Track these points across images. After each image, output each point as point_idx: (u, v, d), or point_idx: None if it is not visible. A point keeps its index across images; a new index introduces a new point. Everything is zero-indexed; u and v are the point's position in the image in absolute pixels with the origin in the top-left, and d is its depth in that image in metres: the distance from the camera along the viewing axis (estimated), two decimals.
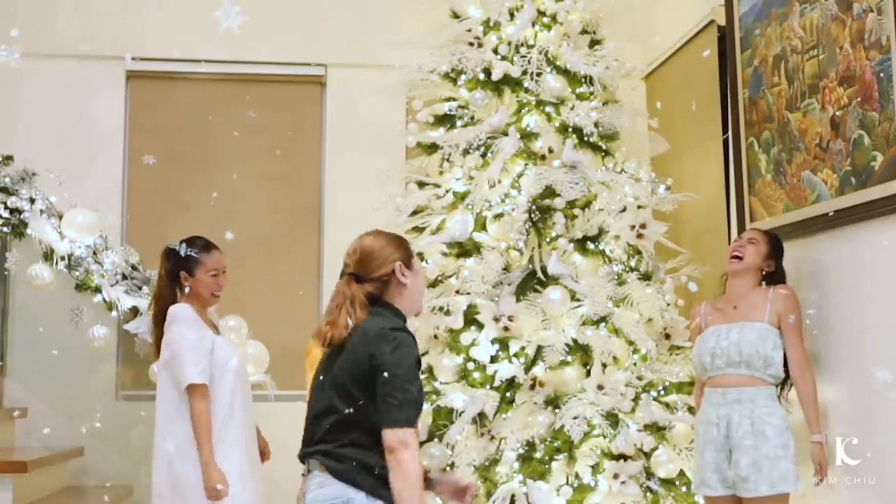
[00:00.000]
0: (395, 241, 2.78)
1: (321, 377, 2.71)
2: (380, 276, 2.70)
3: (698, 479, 3.74)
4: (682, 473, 4.20)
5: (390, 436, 2.53)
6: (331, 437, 2.60)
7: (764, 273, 3.78)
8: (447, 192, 4.64)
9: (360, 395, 2.58)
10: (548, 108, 4.64)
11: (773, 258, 3.77)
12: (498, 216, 4.47)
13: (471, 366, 4.33)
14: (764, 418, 3.57)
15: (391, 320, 2.66)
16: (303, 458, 2.69)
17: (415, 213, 4.68)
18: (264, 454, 3.93)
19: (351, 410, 2.58)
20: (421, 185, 4.76)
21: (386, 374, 2.55)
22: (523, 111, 4.66)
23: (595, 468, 4.18)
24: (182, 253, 3.76)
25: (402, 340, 2.60)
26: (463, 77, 4.72)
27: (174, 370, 3.63)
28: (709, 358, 3.71)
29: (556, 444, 4.16)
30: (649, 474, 4.18)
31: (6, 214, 4.82)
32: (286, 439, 3.90)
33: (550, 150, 4.56)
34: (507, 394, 4.27)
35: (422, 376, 4.36)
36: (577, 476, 4.17)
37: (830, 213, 3.63)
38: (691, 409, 4.27)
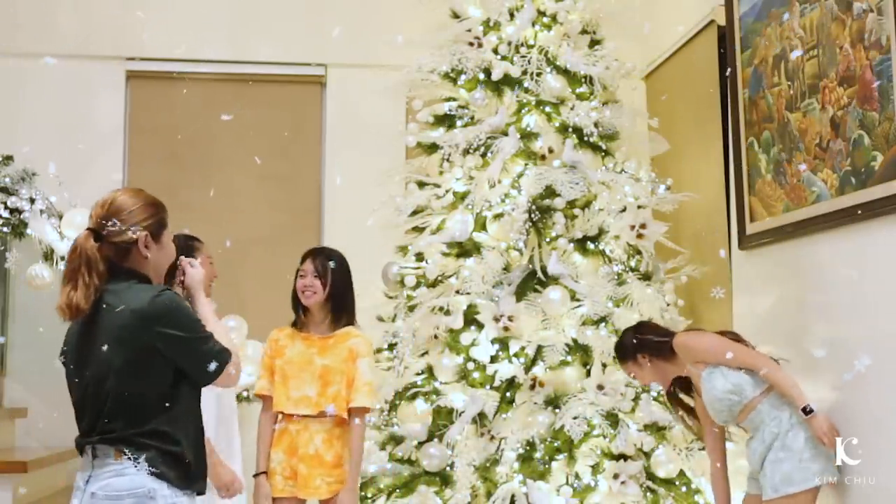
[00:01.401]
0: (150, 207, 2.57)
1: (79, 356, 2.49)
2: (120, 241, 2.49)
3: None
4: (682, 473, 4.20)
5: (226, 380, 2.50)
6: (123, 422, 2.41)
7: (657, 361, 3.73)
8: (447, 192, 4.64)
9: (147, 376, 2.41)
10: (548, 108, 4.64)
11: (643, 356, 3.72)
12: (498, 216, 4.47)
13: (471, 366, 4.33)
14: (766, 420, 3.54)
15: (147, 288, 2.47)
16: (83, 444, 2.49)
17: (415, 213, 4.68)
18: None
19: (139, 392, 2.40)
20: (421, 185, 4.76)
21: (182, 344, 2.43)
22: (523, 111, 4.66)
23: (595, 468, 4.18)
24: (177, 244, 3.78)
25: (175, 301, 2.45)
26: (463, 77, 4.72)
27: None
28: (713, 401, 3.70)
29: (556, 444, 4.16)
30: (649, 474, 4.19)
31: (6, 214, 4.82)
32: None
33: (550, 150, 4.56)
34: (507, 394, 4.27)
35: (421, 376, 4.40)
36: (577, 476, 4.17)
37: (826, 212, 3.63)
38: None
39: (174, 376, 2.46)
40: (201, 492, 2.51)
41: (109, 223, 2.49)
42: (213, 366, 2.48)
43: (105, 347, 2.41)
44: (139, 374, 2.41)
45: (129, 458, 2.40)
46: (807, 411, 3.44)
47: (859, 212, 3.48)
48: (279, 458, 3.71)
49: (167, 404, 2.44)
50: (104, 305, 2.43)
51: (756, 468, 3.59)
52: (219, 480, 3.51)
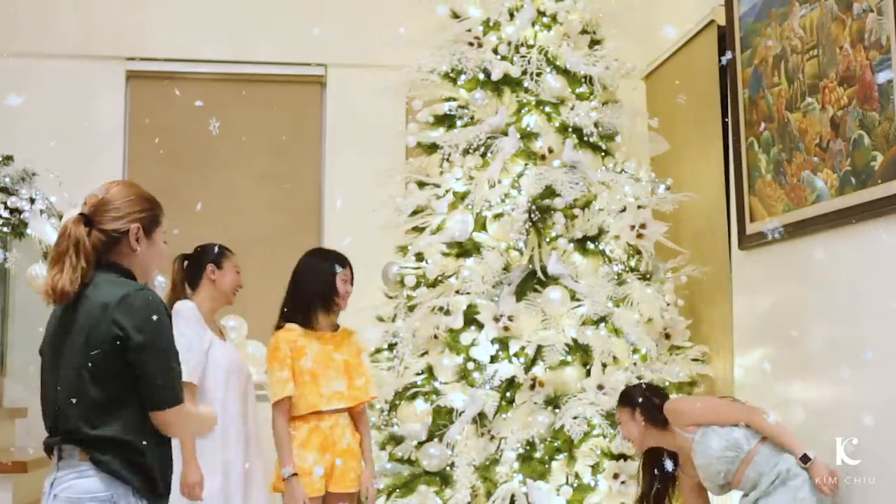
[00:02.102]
0: (144, 201, 2.48)
1: (53, 348, 2.37)
2: (111, 229, 2.39)
3: None
4: None
5: (163, 416, 2.32)
6: (87, 423, 2.28)
7: (647, 426, 3.72)
8: (447, 192, 4.64)
9: (112, 376, 2.28)
10: (548, 108, 4.64)
11: (640, 414, 3.71)
12: (498, 216, 4.47)
13: (471, 366, 4.33)
14: (763, 478, 3.48)
15: (125, 283, 2.35)
16: (51, 445, 2.36)
17: (415, 213, 4.68)
18: None
19: (104, 392, 2.27)
20: (421, 185, 4.76)
21: (145, 352, 2.28)
22: (523, 111, 4.66)
23: (595, 468, 4.18)
24: (208, 248, 3.81)
25: (150, 304, 2.31)
26: (463, 77, 4.72)
27: None
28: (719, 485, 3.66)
29: (556, 444, 4.17)
30: None
31: (6, 214, 4.82)
32: None
33: (550, 150, 4.56)
34: (507, 394, 4.27)
35: (421, 376, 4.39)
36: (577, 476, 4.17)
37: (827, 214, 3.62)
38: None
39: (133, 380, 2.31)
40: (163, 496, 2.39)
41: (102, 212, 2.39)
42: (168, 392, 2.32)
43: (75, 341, 2.29)
44: (104, 372, 2.27)
45: (94, 461, 2.28)
46: (805, 460, 3.40)
47: (856, 217, 3.48)
48: (314, 457, 3.69)
49: (132, 404, 2.30)
50: (85, 296, 2.31)
51: None
52: (184, 479, 3.45)
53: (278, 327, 3.83)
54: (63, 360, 2.32)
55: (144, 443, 2.31)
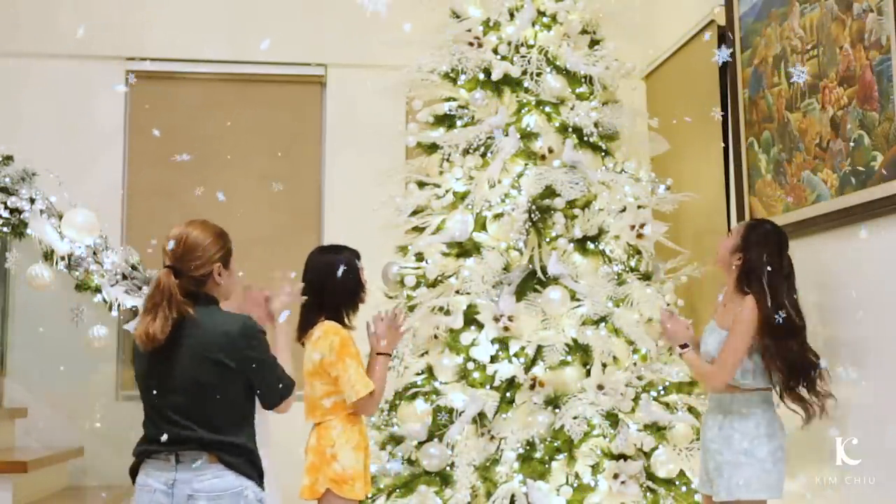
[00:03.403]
0: (219, 240, 2.85)
1: (159, 374, 2.74)
2: (198, 275, 2.79)
3: (699, 477, 3.76)
4: (682, 473, 4.20)
5: (281, 407, 2.91)
6: (216, 432, 2.72)
7: (736, 269, 3.54)
8: (447, 192, 4.64)
9: (231, 391, 2.74)
10: (548, 108, 4.64)
11: (743, 249, 3.50)
12: (498, 216, 4.47)
13: (471, 366, 4.33)
14: (734, 424, 3.49)
15: (228, 314, 2.81)
16: (161, 451, 2.74)
17: (415, 213, 4.68)
18: None
19: (226, 406, 2.73)
20: (421, 185, 4.76)
21: (261, 367, 2.79)
22: (523, 111, 4.66)
23: (595, 468, 4.18)
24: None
25: (255, 329, 2.78)
26: (463, 77, 4.72)
27: None
28: (704, 356, 3.69)
29: (556, 444, 4.17)
30: (649, 474, 4.19)
31: (6, 214, 4.81)
32: (286, 438, 3.90)
33: (550, 150, 4.56)
34: (507, 394, 4.27)
35: (421, 376, 4.40)
36: (577, 476, 4.17)
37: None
38: (691, 409, 4.28)
39: (248, 392, 2.79)
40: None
41: (188, 261, 2.78)
42: (283, 392, 2.87)
43: (192, 365, 2.70)
44: (225, 388, 2.71)
45: (223, 462, 2.71)
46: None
47: (856, 217, 3.48)
48: (364, 461, 3.51)
49: (246, 415, 2.80)
50: (189, 327, 2.71)
51: (707, 462, 3.57)
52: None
53: (311, 324, 3.56)
54: (177, 383, 2.71)
55: (253, 444, 2.81)
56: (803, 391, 3.45)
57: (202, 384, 2.69)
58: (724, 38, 4.54)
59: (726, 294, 3.66)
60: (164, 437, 2.71)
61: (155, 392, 2.74)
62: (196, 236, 2.80)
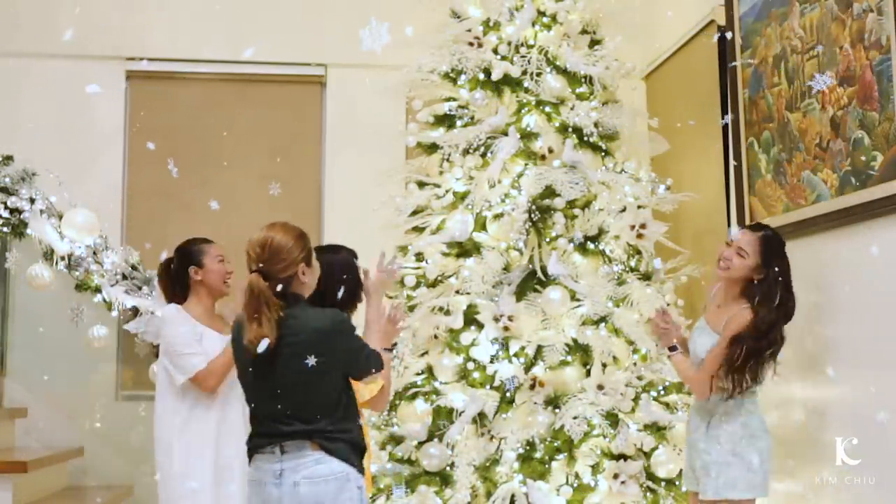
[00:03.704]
0: (300, 241, 2.95)
1: (260, 369, 2.87)
2: (285, 277, 2.90)
3: (685, 474, 3.76)
4: (681, 473, 4.20)
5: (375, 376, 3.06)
6: (314, 421, 2.85)
7: (754, 281, 3.52)
8: (447, 192, 4.64)
9: (333, 381, 2.87)
10: (548, 108, 4.64)
11: (764, 266, 3.48)
12: (498, 216, 4.47)
13: (471, 366, 4.33)
14: (721, 424, 3.51)
15: (324, 311, 2.92)
16: (266, 443, 2.89)
17: (415, 213, 4.68)
18: None
19: (329, 396, 2.86)
20: (421, 185, 4.76)
21: (348, 354, 2.91)
22: (523, 111, 4.66)
23: (595, 468, 4.18)
24: (185, 250, 3.77)
25: (345, 321, 2.93)
26: (463, 77, 4.72)
27: (175, 367, 3.63)
28: (692, 355, 3.69)
29: (556, 444, 4.17)
30: (649, 474, 4.19)
31: (6, 214, 4.82)
32: None
33: (550, 150, 4.56)
34: (507, 394, 4.27)
35: (421, 376, 4.40)
36: (577, 476, 4.17)
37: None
38: None
39: (344, 384, 2.92)
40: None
41: (274, 264, 2.89)
42: (372, 365, 2.99)
43: (290, 362, 2.82)
44: (322, 381, 2.84)
45: (325, 450, 2.84)
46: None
47: (856, 217, 3.48)
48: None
49: (345, 402, 2.90)
50: (284, 327, 2.83)
51: (693, 461, 3.58)
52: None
53: None
54: (278, 377, 2.84)
55: (355, 428, 2.93)
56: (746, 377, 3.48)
57: (301, 380, 2.82)
58: (723, 38, 4.54)
59: (722, 295, 3.65)
60: (270, 431, 2.87)
61: (259, 389, 2.89)
62: (280, 239, 2.91)
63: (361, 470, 2.92)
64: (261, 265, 2.89)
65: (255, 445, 2.92)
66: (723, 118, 4.51)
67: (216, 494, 3.65)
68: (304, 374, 2.82)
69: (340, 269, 3.54)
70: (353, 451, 2.89)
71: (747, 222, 4.28)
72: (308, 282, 2.98)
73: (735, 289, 3.56)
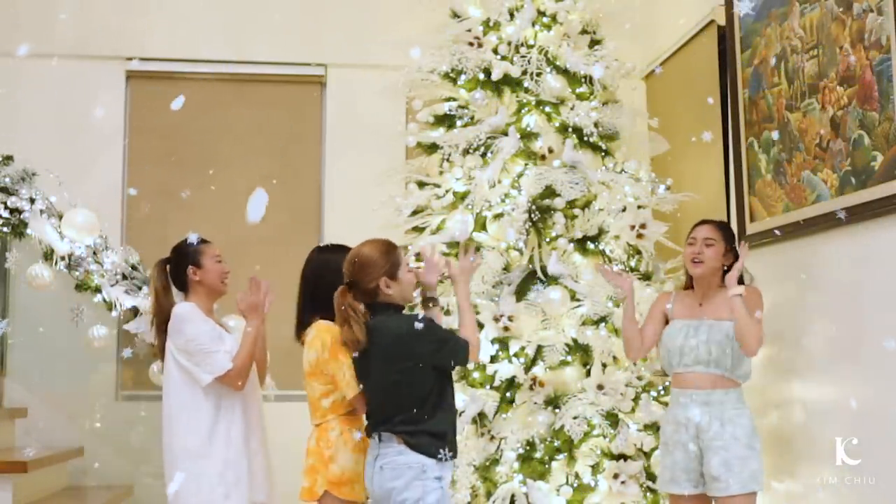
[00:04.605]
0: (386, 255, 3.28)
1: (363, 371, 3.27)
2: (369, 288, 3.26)
3: (667, 476, 3.71)
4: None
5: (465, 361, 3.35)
6: (400, 416, 3.19)
7: (725, 268, 3.73)
8: (447, 192, 4.64)
9: (419, 379, 3.18)
10: (548, 108, 4.64)
11: (730, 251, 3.74)
12: (498, 216, 4.48)
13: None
14: (734, 419, 3.58)
15: (405, 317, 3.26)
16: (372, 433, 3.28)
17: (415, 213, 4.68)
18: None
19: (414, 393, 3.18)
20: (421, 185, 4.76)
21: (433, 352, 3.21)
22: (523, 111, 4.66)
23: (595, 468, 4.19)
24: (183, 250, 3.75)
25: (424, 326, 3.19)
26: (463, 77, 4.72)
27: (200, 366, 3.56)
28: (677, 355, 3.70)
29: (556, 444, 4.17)
30: (649, 474, 4.19)
31: (6, 214, 4.81)
32: (286, 438, 3.89)
33: (550, 150, 4.56)
34: (507, 394, 4.27)
35: None
36: (577, 476, 4.17)
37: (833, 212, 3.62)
38: None
39: (435, 376, 3.22)
40: (455, 456, 3.29)
41: (360, 276, 3.26)
42: (460, 358, 3.28)
43: (378, 366, 3.21)
44: (407, 381, 3.19)
45: (407, 444, 3.18)
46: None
47: (856, 217, 3.48)
48: (363, 463, 3.39)
49: (432, 400, 3.20)
50: (372, 334, 3.22)
51: (709, 460, 3.57)
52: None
53: (307, 323, 3.54)
54: (373, 378, 3.24)
55: (443, 423, 3.23)
56: None
57: (389, 381, 3.19)
58: (723, 39, 4.54)
59: (701, 294, 3.77)
60: (373, 422, 3.28)
61: (363, 385, 3.28)
62: (366, 254, 3.26)
63: (446, 458, 3.20)
64: (351, 279, 3.26)
65: (367, 432, 3.32)
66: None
67: (250, 485, 3.62)
68: (389, 375, 3.18)
69: (338, 268, 3.54)
70: (434, 446, 3.18)
71: (747, 222, 4.28)
72: (393, 293, 3.27)
73: (714, 279, 3.75)
